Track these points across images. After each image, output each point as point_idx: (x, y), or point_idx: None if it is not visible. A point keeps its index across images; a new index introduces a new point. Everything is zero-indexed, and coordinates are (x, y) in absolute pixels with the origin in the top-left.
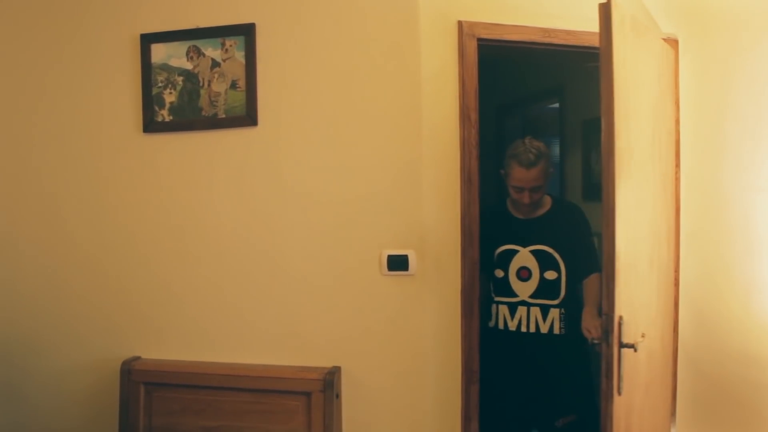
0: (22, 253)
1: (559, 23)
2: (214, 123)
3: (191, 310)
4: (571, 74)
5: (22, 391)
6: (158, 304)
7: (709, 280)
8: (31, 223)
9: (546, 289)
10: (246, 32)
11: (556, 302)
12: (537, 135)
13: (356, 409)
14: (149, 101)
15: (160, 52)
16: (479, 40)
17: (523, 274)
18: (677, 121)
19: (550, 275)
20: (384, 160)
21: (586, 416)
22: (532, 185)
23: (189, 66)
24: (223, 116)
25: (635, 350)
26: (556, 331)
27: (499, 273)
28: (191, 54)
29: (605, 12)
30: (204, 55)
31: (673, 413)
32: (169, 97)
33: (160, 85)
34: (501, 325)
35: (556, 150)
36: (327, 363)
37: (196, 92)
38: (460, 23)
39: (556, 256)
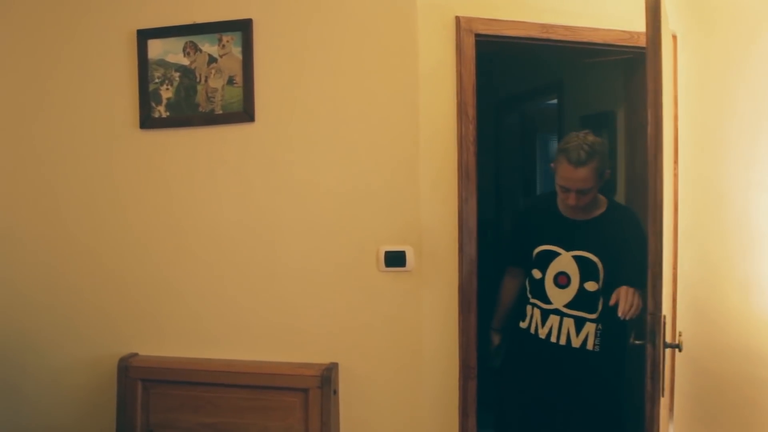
0: (19, 249)
1: (558, 19)
2: (211, 119)
3: (188, 307)
4: (570, 70)
5: (20, 387)
6: (155, 301)
7: (707, 276)
8: (28, 219)
9: (584, 301)
10: (243, 28)
11: (593, 316)
12: (535, 131)
13: (354, 405)
14: (146, 97)
15: (156, 48)
16: (477, 35)
17: (561, 280)
18: (675, 117)
19: (591, 286)
20: (381, 155)
21: None
22: (580, 187)
23: (186, 62)
24: (220, 112)
25: (680, 350)
26: (590, 346)
27: (537, 274)
28: (188, 50)
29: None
30: (201, 50)
31: (671, 409)
32: (166, 93)
33: (156, 80)
34: (533, 329)
35: (555, 147)
36: (324, 359)
37: (193, 88)
38: (457, 18)
39: (600, 266)
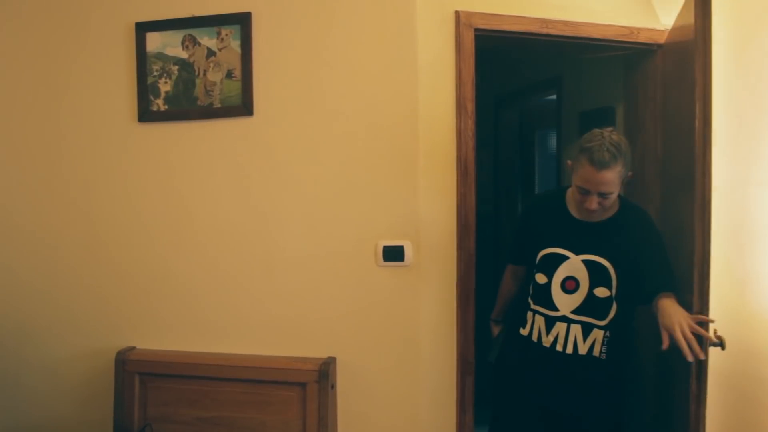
0: (17, 242)
1: (558, 14)
2: (209, 113)
3: (186, 301)
4: (569, 66)
5: (17, 379)
6: (153, 294)
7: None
8: (25, 212)
9: (593, 307)
10: (242, 21)
11: (602, 323)
12: (534, 127)
13: (351, 399)
14: (144, 90)
15: (155, 41)
16: (476, 30)
17: (569, 285)
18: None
19: (601, 293)
20: (380, 150)
21: None
22: (602, 190)
23: (184, 55)
24: (219, 106)
25: (723, 348)
26: (596, 353)
27: (541, 278)
28: (187, 43)
29: None
30: (199, 44)
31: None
32: (165, 87)
33: (155, 74)
34: (535, 337)
35: (553, 142)
36: (322, 353)
37: (192, 81)
38: (457, 13)
39: (612, 271)
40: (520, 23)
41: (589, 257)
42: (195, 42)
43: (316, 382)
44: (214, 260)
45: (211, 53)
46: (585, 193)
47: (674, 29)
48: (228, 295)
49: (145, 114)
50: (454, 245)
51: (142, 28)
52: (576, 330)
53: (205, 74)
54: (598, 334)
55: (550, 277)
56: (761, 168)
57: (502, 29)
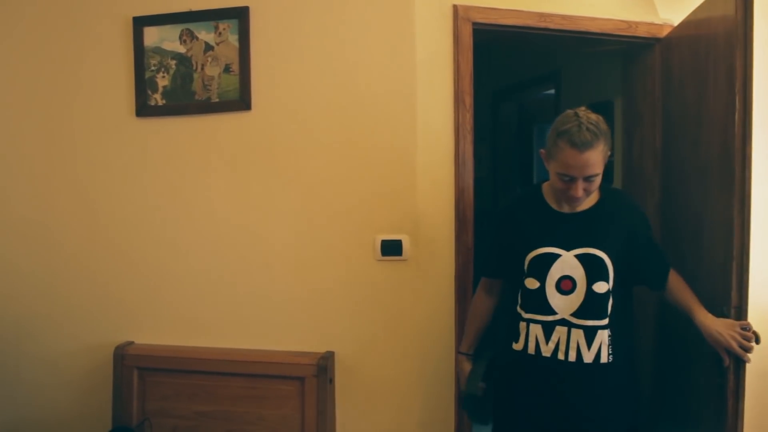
0: (16, 236)
1: (556, 8)
2: (207, 107)
3: (185, 295)
4: (568, 60)
5: (16, 373)
6: (151, 289)
7: None
8: (22, 207)
9: (593, 306)
10: (239, 15)
11: (604, 322)
12: (532, 121)
13: (349, 393)
14: (142, 85)
15: (152, 36)
16: (474, 24)
17: (565, 285)
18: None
19: (600, 287)
20: (378, 144)
21: None
22: (588, 173)
23: (182, 49)
24: (217, 100)
25: (758, 342)
26: (604, 359)
27: (533, 283)
28: (184, 37)
29: None
30: (197, 38)
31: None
32: (162, 81)
33: (152, 68)
34: (531, 349)
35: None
36: (320, 348)
37: (190, 76)
38: (455, 7)
39: (608, 262)
40: (518, 17)
41: (582, 251)
42: (193, 36)
43: (315, 376)
44: (212, 255)
45: (208, 47)
46: (569, 180)
47: (688, 22)
48: (226, 290)
49: (143, 109)
50: (452, 239)
51: (140, 23)
52: (578, 335)
53: (202, 69)
54: (602, 336)
55: (542, 280)
56: (757, 166)
57: (500, 23)
